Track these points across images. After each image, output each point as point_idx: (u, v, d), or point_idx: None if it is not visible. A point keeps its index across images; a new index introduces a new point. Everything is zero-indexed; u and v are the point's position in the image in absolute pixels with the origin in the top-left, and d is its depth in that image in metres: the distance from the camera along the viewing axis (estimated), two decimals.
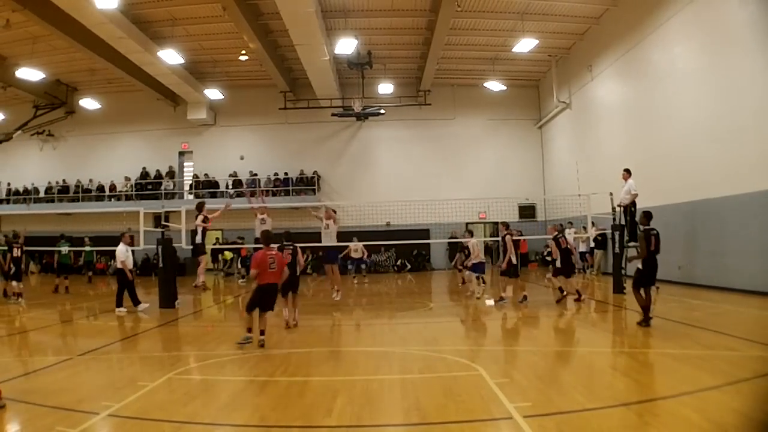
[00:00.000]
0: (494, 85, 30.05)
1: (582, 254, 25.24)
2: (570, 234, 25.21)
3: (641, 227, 11.35)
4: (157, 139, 34.06)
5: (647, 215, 11.54)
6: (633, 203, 16.73)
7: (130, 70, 27.52)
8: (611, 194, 18.08)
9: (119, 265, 16.02)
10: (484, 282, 17.78)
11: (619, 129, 23.25)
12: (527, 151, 33.50)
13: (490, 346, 10.57)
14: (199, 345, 10.71)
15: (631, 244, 16.83)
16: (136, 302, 15.90)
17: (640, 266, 11.04)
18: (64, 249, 22.47)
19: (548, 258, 30.69)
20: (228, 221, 29.30)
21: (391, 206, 29.41)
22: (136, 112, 33.57)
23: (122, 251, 15.88)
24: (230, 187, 32.56)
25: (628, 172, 17.10)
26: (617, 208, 17.52)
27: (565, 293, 15.75)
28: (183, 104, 33.04)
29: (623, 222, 17.08)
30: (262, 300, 10.31)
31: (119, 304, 15.74)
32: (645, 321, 10.77)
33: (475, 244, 17.57)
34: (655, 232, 11.22)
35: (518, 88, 32.98)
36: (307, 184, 32.57)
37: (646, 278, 11.07)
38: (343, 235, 19.88)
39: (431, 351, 9.74)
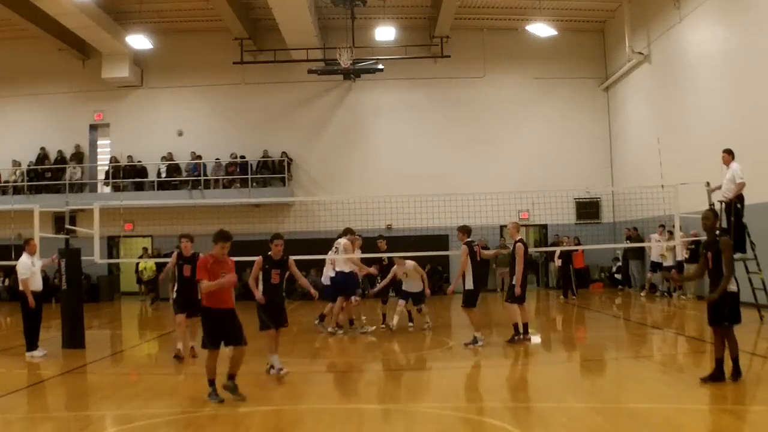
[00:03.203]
0: (541, 29, 29.98)
1: (668, 270, 25.15)
2: (658, 243, 25.13)
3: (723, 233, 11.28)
4: (58, 106, 33.95)
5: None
6: (740, 197, 16.71)
7: (19, 8, 27.45)
8: (708, 184, 18.07)
9: (21, 287, 15.62)
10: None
11: (720, 92, 23.21)
12: (588, 124, 33.55)
13: (534, 401, 10.56)
14: (120, 401, 10.70)
15: (738, 255, 16.82)
16: (31, 345, 15.60)
17: (734, 288, 10.64)
18: None
19: (617, 276, 30.89)
20: (162, 223, 29.29)
21: (393, 203, 29.36)
22: (28, 68, 33.46)
23: (25, 265, 15.52)
24: (163, 174, 32.56)
25: (730, 154, 17.07)
26: (717, 204, 17.51)
27: (528, 335, 15.86)
28: (96, 57, 32.97)
29: (726, 224, 17.07)
30: None
31: (32, 345, 15.49)
32: (735, 374, 10.55)
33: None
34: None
35: (575, 32, 33.02)
36: (274, 170, 32.57)
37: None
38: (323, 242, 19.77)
39: (450, 409, 9.77)
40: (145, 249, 31.51)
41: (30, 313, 15.37)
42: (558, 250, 25.64)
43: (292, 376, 12.94)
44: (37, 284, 15.68)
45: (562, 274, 27.34)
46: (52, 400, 11.26)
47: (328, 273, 18.66)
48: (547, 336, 18.42)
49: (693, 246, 23.39)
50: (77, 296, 16.90)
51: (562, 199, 29.62)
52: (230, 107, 33.70)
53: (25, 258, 15.56)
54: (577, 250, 25.94)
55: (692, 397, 10.09)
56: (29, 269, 15.44)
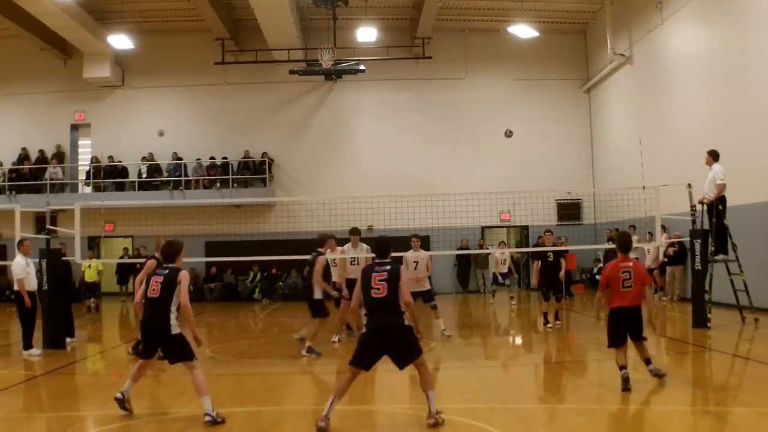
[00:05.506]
0: (522, 31, 30.04)
1: (650, 271, 25.26)
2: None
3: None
4: (40, 106, 33.73)
5: None
6: (722, 199, 16.75)
7: (0, 8, 27.27)
8: (690, 186, 18.11)
9: (16, 286, 15.80)
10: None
11: (702, 94, 23.29)
12: (569, 125, 33.61)
13: (516, 402, 10.55)
14: (101, 402, 10.61)
15: (720, 257, 16.87)
16: (27, 344, 15.73)
17: None
18: None
19: (598, 277, 30.87)
20: (143, 224, 29.14)
21: (374, 203, 29.29)
22: (9, 67, 33.27)
23: (20, 265, 15.62)
24: (144, 174, 32.41)
25: (713, 156, 17.12)
26: (698, 206, 17.55)
27: None
28: (77, 57, 32.79)
29: (707, 225, 17.11)
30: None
31: (28, 344, 15.61)
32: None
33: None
34: None
35: (557, 34, 33.11)
36: (255, 171, 32.48)
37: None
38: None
39: None
40: (125, 249, 31.30)
41: (27, 313, 15.62)
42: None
43: (272, 377, 12.90)
44: (32, 284, 15.82)
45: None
46: (33, 401, 11.16)
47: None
48: (529, 337, 18.45)
49: (676, 247, 23.46)
50: (58, 296, 16.79)
51: (543, 201, 29.54)
52: (211, 107, 33.58)
53: (19, 258, 15.82)
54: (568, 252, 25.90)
55: (674, 399, 10.09)
56: (24, 269, 15.68)
